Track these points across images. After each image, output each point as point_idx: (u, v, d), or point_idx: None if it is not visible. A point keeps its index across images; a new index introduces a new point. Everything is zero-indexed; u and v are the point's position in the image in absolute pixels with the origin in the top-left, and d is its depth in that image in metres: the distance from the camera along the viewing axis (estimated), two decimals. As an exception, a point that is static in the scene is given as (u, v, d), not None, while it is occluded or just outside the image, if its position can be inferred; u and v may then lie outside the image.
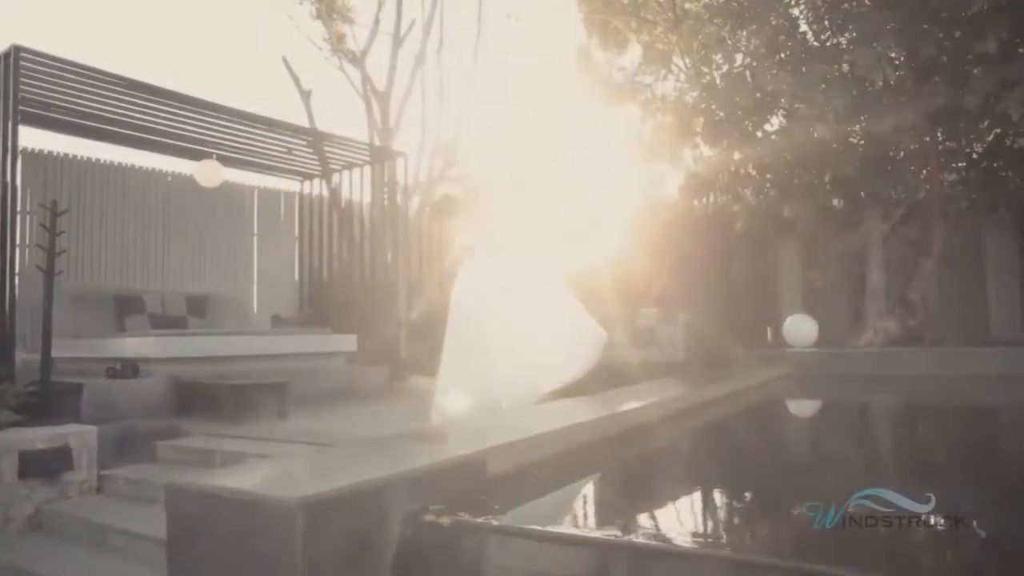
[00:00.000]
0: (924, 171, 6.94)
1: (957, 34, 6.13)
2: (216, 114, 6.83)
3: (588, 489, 2.68)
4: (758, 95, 6.60)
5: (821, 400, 5.92)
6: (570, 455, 2.77)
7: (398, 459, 2.31)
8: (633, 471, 3.05)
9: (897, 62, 6.03)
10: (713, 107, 7.29)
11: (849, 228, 8.04)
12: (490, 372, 4.10)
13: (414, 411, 4.45)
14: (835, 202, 7.68)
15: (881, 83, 6.10)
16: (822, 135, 6.29)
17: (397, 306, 8.48)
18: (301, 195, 9.27)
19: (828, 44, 6.82)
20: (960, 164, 7.21)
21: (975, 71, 6.13)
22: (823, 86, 6.25)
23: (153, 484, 4.05)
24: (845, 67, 6.45)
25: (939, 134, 7.02)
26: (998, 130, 6.42)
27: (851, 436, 4.25)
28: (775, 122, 7.66)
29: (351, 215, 8.87)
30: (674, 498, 2.46)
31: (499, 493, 2.14)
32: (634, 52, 9.83)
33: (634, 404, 3.76)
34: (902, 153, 7.06)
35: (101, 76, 5.81)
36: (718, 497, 2.53)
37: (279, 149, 8.03)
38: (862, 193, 7.55)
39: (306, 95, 9.51)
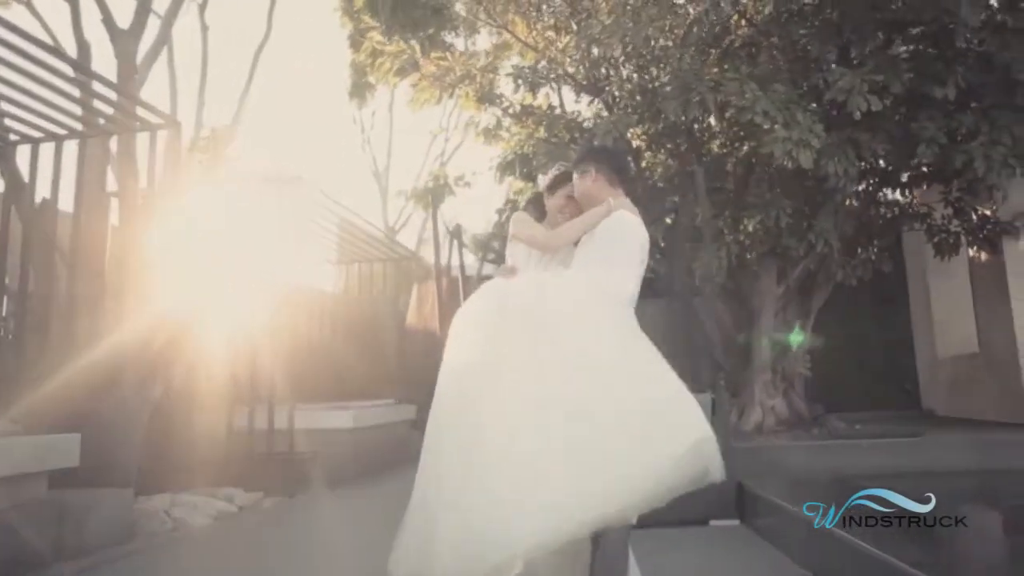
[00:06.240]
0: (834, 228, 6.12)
1: (909, 75, 5.44)
2: None
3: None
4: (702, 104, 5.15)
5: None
6: None
7: None
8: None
9: (876, 93, 5.08)
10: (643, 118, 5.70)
11: (743, 287, 6.97)
12: None
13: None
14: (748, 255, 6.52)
15: (860, 113, 5.09)
16: (806, 164, 5.04)
17: (143, 373, 4.96)
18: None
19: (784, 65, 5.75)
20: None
21: (917, 121, 5.47)
22: (799, 108, 5.04)
23: None
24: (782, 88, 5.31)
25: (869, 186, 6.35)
26: (958, 185, 5.87)
27: None
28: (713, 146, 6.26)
29: (53, 217, 5.20)
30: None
31: None
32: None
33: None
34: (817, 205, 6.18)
35: None
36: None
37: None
38: (765, 248, 6.52)
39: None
